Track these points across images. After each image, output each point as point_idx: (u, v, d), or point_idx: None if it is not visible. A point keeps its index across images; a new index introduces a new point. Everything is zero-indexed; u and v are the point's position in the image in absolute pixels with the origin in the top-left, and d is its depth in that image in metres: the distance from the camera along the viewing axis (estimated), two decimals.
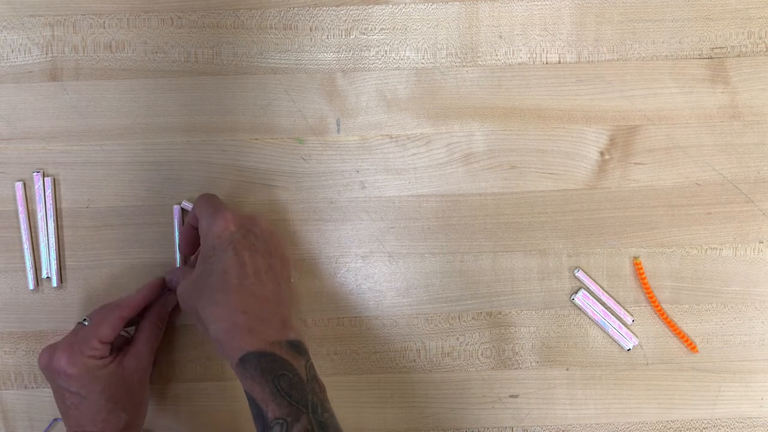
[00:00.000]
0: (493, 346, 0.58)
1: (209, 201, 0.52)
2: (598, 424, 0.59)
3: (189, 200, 0.57)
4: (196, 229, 0.52)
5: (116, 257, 0.58)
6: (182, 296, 0.50)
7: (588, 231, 0.59)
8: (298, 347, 0.47)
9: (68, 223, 0.58)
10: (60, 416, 0.57)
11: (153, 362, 0.54)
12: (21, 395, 0.58)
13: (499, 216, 0.58)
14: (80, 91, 0.58)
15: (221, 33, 0.58)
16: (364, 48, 0.59)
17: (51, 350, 0.50)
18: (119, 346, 0.53)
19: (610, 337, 0.58)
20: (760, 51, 0.59)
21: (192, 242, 0.54)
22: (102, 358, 0.51)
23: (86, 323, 0.52)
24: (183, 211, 0.58)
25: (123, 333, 0.54)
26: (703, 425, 0.59)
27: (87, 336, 0.50)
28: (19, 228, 0.58)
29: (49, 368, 0.50)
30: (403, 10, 0.59)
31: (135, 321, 0.54)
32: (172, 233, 0.58)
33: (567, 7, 0.59)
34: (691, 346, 0.58)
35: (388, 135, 0.59)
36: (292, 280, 0.56)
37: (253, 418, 0.46)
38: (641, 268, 0.58)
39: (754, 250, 0.59)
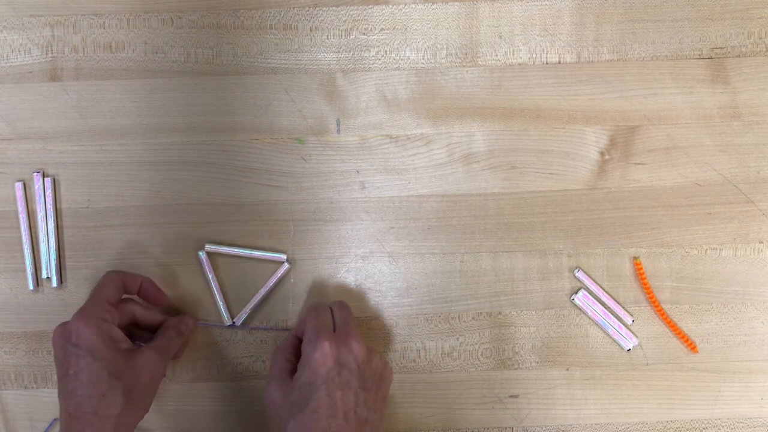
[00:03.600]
0: (493, 347, 0.58)
1: (314, 321, 0.52)
2: (598, 424, 0.59)
3: (211, 243, 0.57)
4: (300, 339, 0.53)
5: (116, 257, 0.58)
6: (272, 405, 0.51)
7: (588, 231, 0.59)
8: None
9: (68, 223, 0.58)
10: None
11: (164, 374, 0.53)
12: (21, 395, 0.58)
13: (499, 216, 0.58)
14: (80, 91, 0.58)
15: (221, 33, 0.58)
16: (364, 48, 0.59)
17: (65, 322, 0.50)
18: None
19: (610, 337, 0.58)
20: (760, 51, 0.59)
21: (296, 350, 0.54)
22: (112, 324, 0.50)
23: None
24: (208, 254, 0.58)
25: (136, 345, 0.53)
26: (703, 425, 0.59)
27: (93, 298, 0.51)
28: (19, 228, 0.58)
29: (63, 334, 0.49)
30: (403, 10, 0.59)
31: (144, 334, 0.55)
32: (172, 234, 0.58)
33: (567, 8, 0.59)
34: (691, 347, 0.58)
35: (388, 135, 0.59)
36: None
37: None
38: (641, 269, 0.58)
39: (754, 250, 0.59)
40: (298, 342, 0.53)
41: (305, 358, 0.51)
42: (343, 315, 0.54)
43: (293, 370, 0.52)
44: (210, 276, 0.57)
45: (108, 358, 0.49)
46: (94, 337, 0.49)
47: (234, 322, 0.57)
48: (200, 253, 0.57)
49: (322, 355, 0.50)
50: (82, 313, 0.50)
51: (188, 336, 0.56)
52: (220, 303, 0.57)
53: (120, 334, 0.51)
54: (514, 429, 0.59)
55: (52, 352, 0.51)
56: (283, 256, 0.58)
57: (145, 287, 0.55)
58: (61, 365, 0.50)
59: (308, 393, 0.49)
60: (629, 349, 0.58)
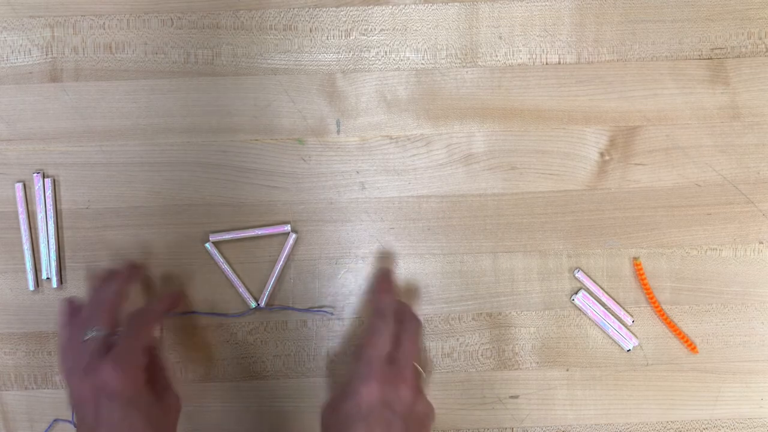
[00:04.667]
0: (494, 347, 0.58)
1: (373, 346, 0.50)
2: (597, 424, 0.59)
3: (214, 233, 0.57)
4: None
5: (116, 258, 0.58)
6: (323, 422, 0.49)
7: (588, 232, 0.59)
8: None
9: (68, 224, 0.58)
10: (60, 417, 0.57)
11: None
12: (21, 396, 0.58)
13: (499, 217, 0.58)
14: (80, 92, 0.58)
15: (221, 34, 0.58)
16: (364, 49, 0.59)
17: (87, 367, 0.46)
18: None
19: (610, 337, 0.58)
20: (759, 51, 0.59)
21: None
22: (143, 367, 0.48)
23: (95, 333, 0.48)
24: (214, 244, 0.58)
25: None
26: (703, 426, 0.59)
27: (130, 346, 0.48)
28: (19, 229, 0.58)
29: (95, 385, 0.45)
30: (403, 10, 0.59)
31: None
32: (172, 234, 0.58)
33: (567, 8, 0.59)
34: (691, 347, 0.58)
35: (388, 136, 0.59)
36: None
37: None
38: (641, 269, 0.58)
39: (754, 250, 0.59)
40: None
41: (352, 384, 0.48)
42: (406, 345, 0.50)
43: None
44: (223, 265, 0.57)
45: (146, 408, 0.47)
46: (133, 386, 0.46)
47: (259, 304, 0.57)
48: (207, 245, 0.57)
49: (368, 392, 0.47)
50: (119, 362, 0.46)
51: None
52: (240, 288, 0.57)
53: (148, 385, 0.48)
54: (514, 429, 0.59)
55: (69, 401, 0.48)
56: (287, 227, 0.58)
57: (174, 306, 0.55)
58: (89, 419, 0.46)
59: (346, 424, 0.47)
60: (629, 350, 0.58)
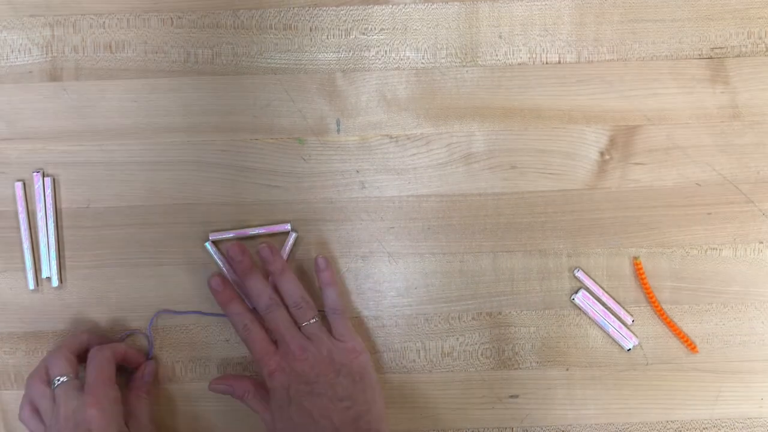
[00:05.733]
0: (493, 347, 0.58)
1: (251, 341, 0.54)
2: (597, 424, 0.59)
3: (214, 232, 0.58)
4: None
5: (116, 257, 0.58)
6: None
7: (588, 231, 0.59)
8: None
9: (68, 223, 0.58)
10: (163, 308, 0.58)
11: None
12: (21, 395, 0.58)
13: (499, 216, 0.58)
14: (80, 91, 0.58)
15: (221, 33, 0.58)
16: (364, 48, 0.59)
17: (63, 401, 0.50)
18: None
19: (610, 337, 0.58)
20: (760, 51, 0.59)
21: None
22: (118, 402, 0.52)
23: (64, 381, 0.51)
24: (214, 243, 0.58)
25: None
26: (703, 425, 0.59)
27: (99, 382, 0.51)
28: (18, 228, 0.58)
29: (78, 425, 0.49)
30: (403, 10, 0.59)
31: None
32: (172, 233, 0.58)
33: (567, 7, 0.59)
34: (691, 347, 0.58)
35: (388, 135, 0.59)
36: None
37: None
38: (641, 269, 0.58)
39: (754, 250, 0.59)
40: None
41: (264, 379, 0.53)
42: (278, 320, 0.54)
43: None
44: (223, 266, 0.57)
45: None
46: (110, 427, 0.49)
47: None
48: (207, 244, 0.57)
49: (273, 381, 0.52)
50: (96, 399, 0.50)
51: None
52: (238, 291, 0.57)
53: (122, 412, 0.52)
54: (514, 429, 0.59)
55: None
56: (287, 226, 0.58)
57: (128, 356, 0.56)
58: None
59: (283, 412, 0.52)
60: (629, 349, 0.58)
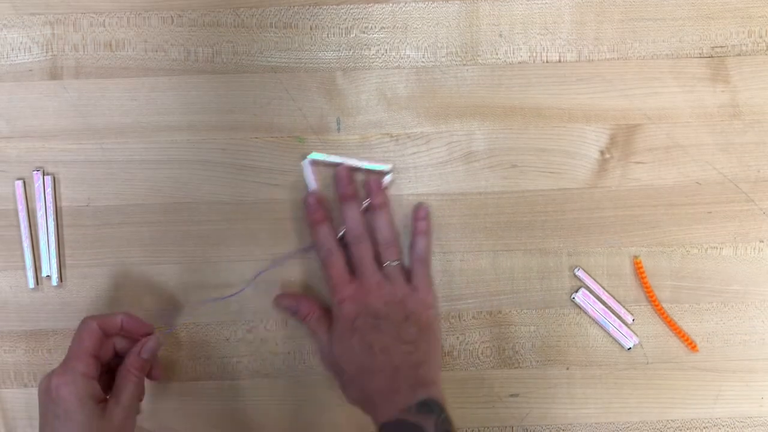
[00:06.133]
0: (494, 345, 0.58)
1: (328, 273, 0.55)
2: (598, 423, 0.58)
3: (317, 152, 0.58)
4: None
5: (116, 256, 0.58)
6: (323, 362, 0.56)
7: (588, 230, 0.59)
8: (428, 405, 0.50)
9: (68, 221, 0.58)
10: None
11: (138, 411, 0.53)
12: (21, 394, 0.58)
13: (499, 215, 0.58)
14: (80, 89, 0.58)
15: (221, 31, 0.58)
16: (365, 47, 0.59)
17: (49, 375, 0.50)
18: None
19: (611, 336, 0.58)
20: (760, 50, 0.59)
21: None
22: (95, 378, 0.50)
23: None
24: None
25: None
26: (703, 424, 0.59)
27: (74, 351, 0.50)
28: (18, 226, 0.58)
29: (47, 390, 0.49)
30: (404, 8, 0.59)
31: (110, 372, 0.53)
32: (172, 232, 0.58)
33: (567, 6, 0.59)
34: (692, 346, 0.58)
35: (388, 134, 0.58)
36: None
37: None
38: (641, 267, 0.58)
39: (754, 249, 0.59)
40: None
41: (334, 311, 0.54)
42: (363, 258, 0.55)
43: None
44: (310, 187, 0.57)
45: (82, 420, 0.48)
46: (72, 398, 0.48)
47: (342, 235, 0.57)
48: (305, 161, 0.57)
49: (344, 305, 0.53)
50: (64, 369, 0.49)
51: (159, 351, 0.54)
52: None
53: (98, 391, 0.50)
54: (515, 428, 0.59)
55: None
56: (388, 166, 0.58)
57: (126, 325, 0.53)
58: (42, 417, 0.49)
59: (344, 340, 0.53)
60: (629, 348, 0.58)
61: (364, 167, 0.58)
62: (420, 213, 0.57)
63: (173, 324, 0.58)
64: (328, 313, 0.55)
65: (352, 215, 0.56)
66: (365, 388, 0.52)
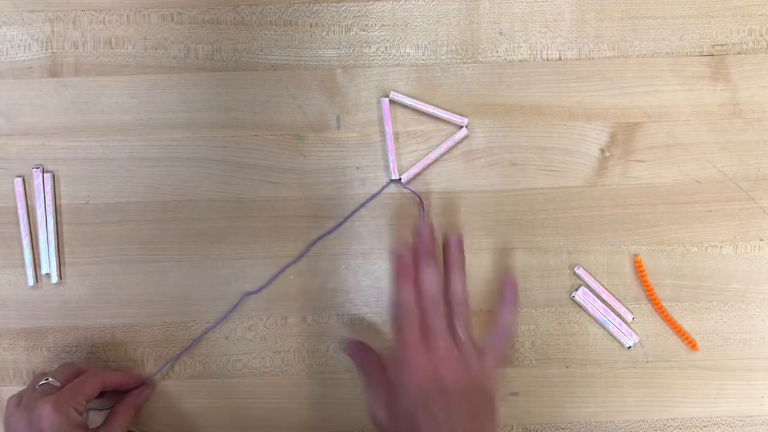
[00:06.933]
0: None
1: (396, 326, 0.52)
2: (597, 422, 0.58)
3: (396, 92, 0.58)
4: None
5: (116, 254, 0.58)
6: (375, 415, 0.51)
7: (588, 228, 0.58)
8: None
9: (68, 219, 0.58)
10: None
11: None
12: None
13: (499, 213, 0.58)
14: (80, 87, 0.58)
15: (221, 29, 0.58)
16: (365, 44, 0.59)
17: (27, 401, 0.50)
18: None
19: (611, 334, 0.58)
20: (761, 48, 0.59)
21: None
22: (82, 415, 0.51)
23: (50, 381, 0.52)
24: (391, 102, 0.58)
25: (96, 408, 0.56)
26: (703, 423, 0.58)
27: (73, 392, 0.51)
28: (18, 224, 0.57)
29: (29, 420, 0.49)
30: (404, 6, 0.58)
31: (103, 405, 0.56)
32: (171, 230, 0.58)
33: (567, 4, 0.59)
34: (692, 344, 0.58)
35: None
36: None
37: None
38: (641, 266, 0.58)
39: (754, 247, 0.59)
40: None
41: (397, 377, 0.50)
42: (436, 322, 0.51)
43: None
44: (387, 125, 0.57)
45: None
46: (63, 427, 0.49)
47: (400, 178, 0.57)
48: (383, 99, 0.57)
49: (413, 377, 0.49)
50: (59, 402, 0.50)
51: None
52: (390, 156, 0.57)
53: (86, 422, 0.52)
54: (514, 427, 0.58)
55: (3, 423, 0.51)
56: (465, 120, 0.57)
57: (125, 382, 0.56)
58: None
59: (407, 416, 0.48)
60: (629, 347, 0.58)
61: (440, 114, 0.57)
62: (509, 286, 0.55)
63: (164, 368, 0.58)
64: (385, 369, 0.52)
65: (431, 279, 0.52)
66: None
